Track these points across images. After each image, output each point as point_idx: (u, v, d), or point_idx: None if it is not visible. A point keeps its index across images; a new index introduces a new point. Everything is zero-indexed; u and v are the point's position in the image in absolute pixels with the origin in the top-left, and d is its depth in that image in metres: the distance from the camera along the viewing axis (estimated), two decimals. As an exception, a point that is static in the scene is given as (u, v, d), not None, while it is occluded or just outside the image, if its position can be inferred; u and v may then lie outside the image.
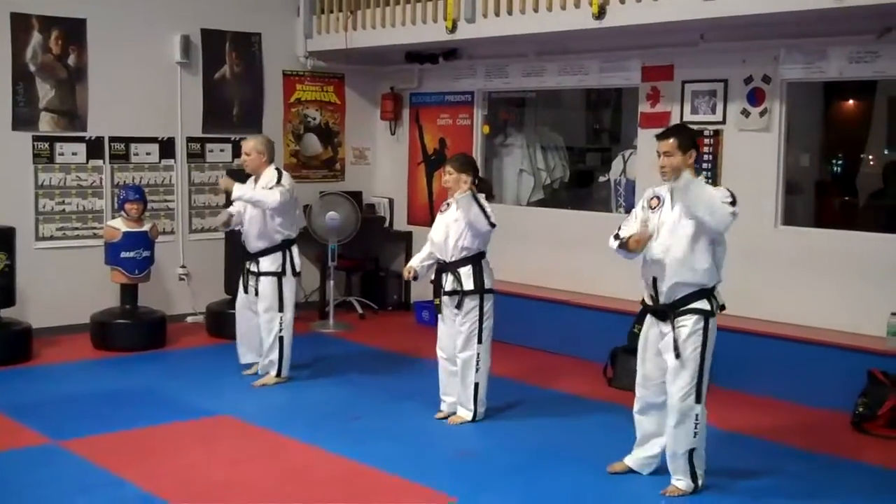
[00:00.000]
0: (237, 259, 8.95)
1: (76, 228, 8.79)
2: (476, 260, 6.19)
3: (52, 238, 8.67)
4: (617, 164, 8.90)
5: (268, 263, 7.11)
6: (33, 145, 8.55)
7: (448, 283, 6.20)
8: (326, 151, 10.46)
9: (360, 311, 10.08)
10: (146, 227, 8.32)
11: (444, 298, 6.26)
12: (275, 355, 7.16)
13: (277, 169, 7.16)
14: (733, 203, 4.90)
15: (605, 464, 5.46)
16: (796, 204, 8.01)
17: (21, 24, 8.44)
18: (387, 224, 10.43)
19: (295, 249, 7.19)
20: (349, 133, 10.58)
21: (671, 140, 5.03)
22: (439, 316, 6.34)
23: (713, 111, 7.72)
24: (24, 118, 8.50)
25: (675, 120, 7.90)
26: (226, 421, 6.38)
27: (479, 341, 6.19)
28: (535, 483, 5.31)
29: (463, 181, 6.12)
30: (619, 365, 7.32)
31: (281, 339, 7.12)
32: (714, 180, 7.65)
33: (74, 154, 8.75)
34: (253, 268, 7.16)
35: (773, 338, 7.12)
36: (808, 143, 8.45)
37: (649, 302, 5.19)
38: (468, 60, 9.60)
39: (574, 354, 8.07)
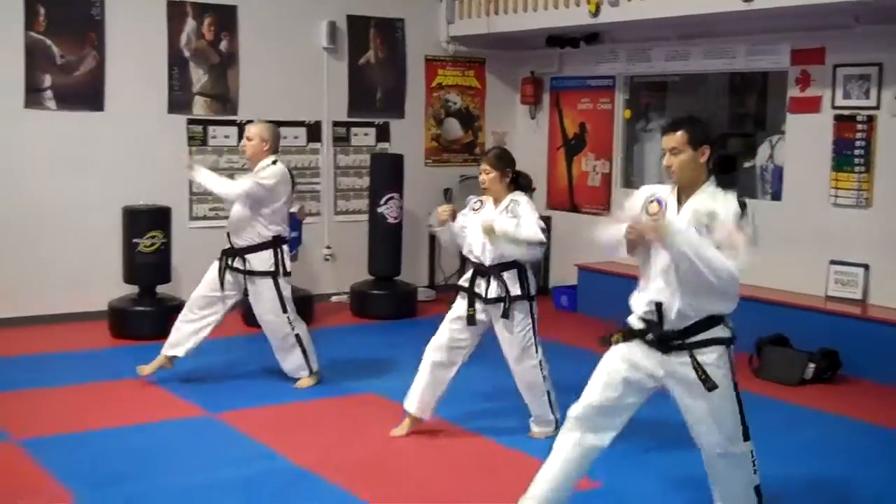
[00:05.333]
0: (380, 239, 9.18)
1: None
2: (521, 263, 5.61)
3: (204, 218, 9.00)
4: (764, 150, 8.71)
5: (258, 262, 6.49)
6: (187, 128, 8.89)
7: (492, 289, 5.55)
8: (467, 135, 10.55)
9: (497, 294, 10.10)
10: (294, 209, 8.55)
11: (486, 306, 5.59)
12: (298, 355, 6.67)
13: (274, 161, 6.48)
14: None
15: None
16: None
17: (176, 12, 8.78)
18: (525, 208, 10.42)
19: (285, 248, 6.60)
20: (489, 117, 10.65)
21: (679, 133, 4.07)
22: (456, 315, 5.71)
23: (866, 96, 7.49)
24: (178, 102, 8.85)
25: (826, 104, 7.71)
26: (369, 399, 6.54)
27: (537, 350, 5.67)
28: (681, 470, 5.28)
29: (496, 230, 5.39)
30: (765, 355, 7.23)
31: (297, 336, 6.62)
32: (867, 167, 7.44)
33: (226, 137, 9.05)
34: (238, 265, 6.54)
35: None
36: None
37: (640, 326, 4.19)
38: (610, 44, 9.53)
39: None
